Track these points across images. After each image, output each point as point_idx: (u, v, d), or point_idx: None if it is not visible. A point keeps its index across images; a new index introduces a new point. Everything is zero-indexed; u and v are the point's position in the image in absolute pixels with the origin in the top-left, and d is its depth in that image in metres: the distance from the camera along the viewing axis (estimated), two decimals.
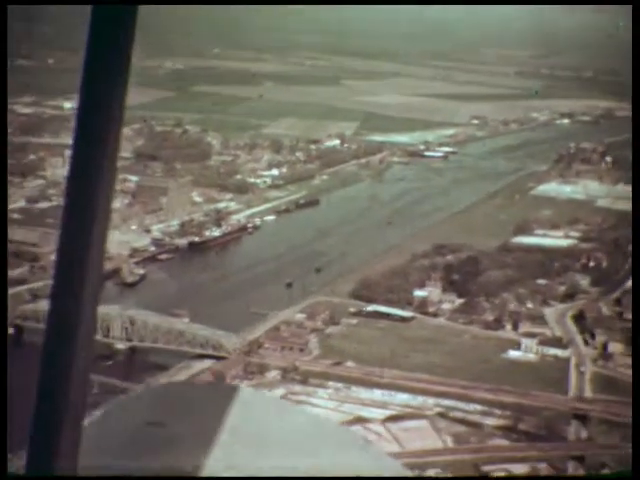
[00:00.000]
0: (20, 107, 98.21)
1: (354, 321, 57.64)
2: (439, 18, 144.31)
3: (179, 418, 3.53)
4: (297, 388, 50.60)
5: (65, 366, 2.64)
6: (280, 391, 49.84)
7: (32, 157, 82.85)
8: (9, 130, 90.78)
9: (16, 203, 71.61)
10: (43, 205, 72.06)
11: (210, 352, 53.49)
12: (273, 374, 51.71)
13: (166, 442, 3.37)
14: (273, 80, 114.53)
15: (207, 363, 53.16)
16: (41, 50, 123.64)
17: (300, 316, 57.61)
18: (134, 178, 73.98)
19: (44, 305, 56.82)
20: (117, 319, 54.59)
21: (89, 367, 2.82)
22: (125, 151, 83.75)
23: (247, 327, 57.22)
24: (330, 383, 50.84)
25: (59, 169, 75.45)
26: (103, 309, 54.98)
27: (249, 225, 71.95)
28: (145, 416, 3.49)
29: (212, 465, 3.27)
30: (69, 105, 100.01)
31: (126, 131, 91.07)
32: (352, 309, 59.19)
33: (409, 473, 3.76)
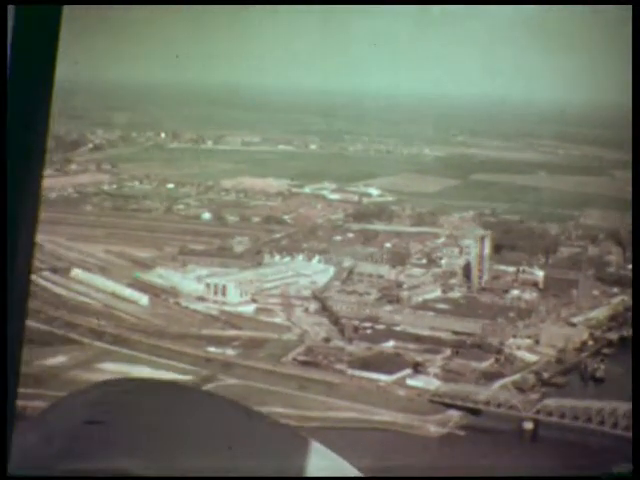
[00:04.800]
0: (328, 193, 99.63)
1: None
2: None
3: (121, 417, 3.45)
4: None
5: None
6: None
7: (388, 245, 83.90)
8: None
9: (432, 293, 72.55)
10: (455, 294, 72.95)
11: None
12: None
13: (103, 442, 3.28)
14: (542, 169, 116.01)
15: None
16: (302, 135, 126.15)
17: None
18: (540, 273, 74.84)
19: (568, 401, 57.11)
20: None
21: (18, 376, 2.97)
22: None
23: None
24: None
25: (455, 259, 76.56)
26: None
27: None
28: (85, 415, 3.27)
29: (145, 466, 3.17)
30: (375, 192, 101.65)
31: (454, 220, 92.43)
32: None
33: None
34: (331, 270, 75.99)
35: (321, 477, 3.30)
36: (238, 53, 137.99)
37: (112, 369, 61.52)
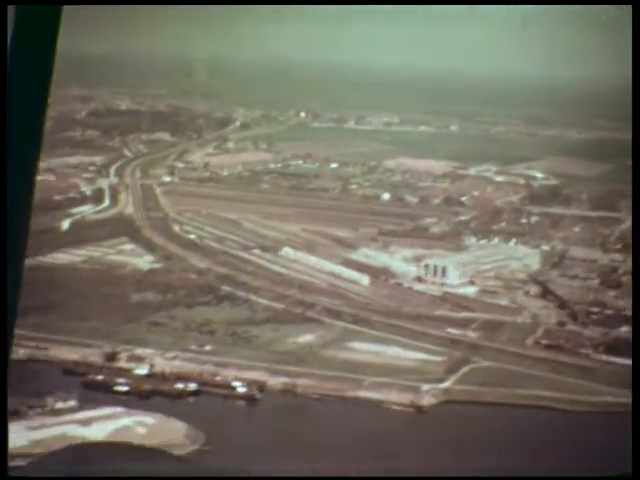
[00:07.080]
0: (492, 175, 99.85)
1: None
2: None
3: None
4: None
5: None
6: None
7: (576, 229, 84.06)
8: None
9: None
10: None
11: None
12: None
13: None
14: None
15: None
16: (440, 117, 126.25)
17: None
18: None
19: None
20: None
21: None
22: None
23: None
24: None
25: None
26: None
27: None
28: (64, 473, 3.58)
29: None
30: (539, 175, 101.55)
31: (630, 205, 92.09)
32: None
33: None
34: (540, 253, 76.31)
35: (323, 477, 3.94)
36: (362, 34, 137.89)
37: (363, 348, 62.28)
